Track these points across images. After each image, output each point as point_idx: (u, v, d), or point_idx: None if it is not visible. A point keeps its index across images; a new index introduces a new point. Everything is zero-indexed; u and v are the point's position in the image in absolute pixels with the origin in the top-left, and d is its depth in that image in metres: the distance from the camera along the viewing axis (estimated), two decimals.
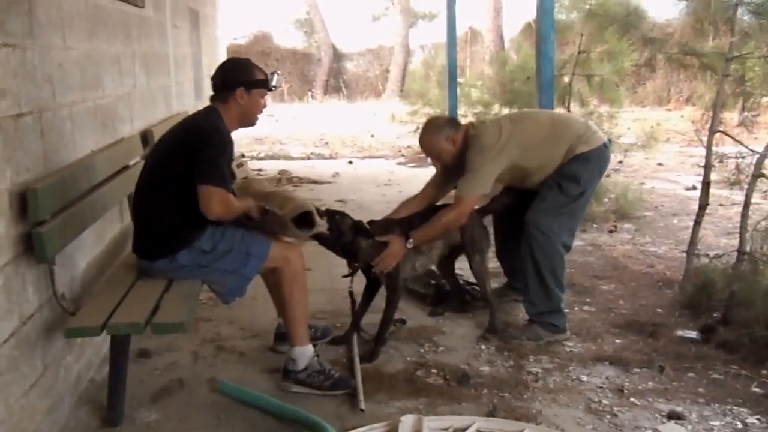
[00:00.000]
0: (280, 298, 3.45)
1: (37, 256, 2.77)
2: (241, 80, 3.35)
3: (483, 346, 3.86)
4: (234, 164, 3.74)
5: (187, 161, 3.15)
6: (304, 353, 3.38)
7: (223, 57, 12.69)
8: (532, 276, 3.95)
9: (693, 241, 4.59)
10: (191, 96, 7.91)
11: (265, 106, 3.48)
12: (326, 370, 3.39)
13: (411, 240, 3.85)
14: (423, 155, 11.01)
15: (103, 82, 4.07)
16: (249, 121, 3.46)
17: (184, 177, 3.16)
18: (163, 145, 3.41)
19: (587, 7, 6.61)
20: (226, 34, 14.54)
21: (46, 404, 2.91)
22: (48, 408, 2.92)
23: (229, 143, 3.30)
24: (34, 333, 2.82)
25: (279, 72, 3.56)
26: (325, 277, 4.83)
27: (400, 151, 12.07)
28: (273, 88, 3.48)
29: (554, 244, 3.92)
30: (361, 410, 3.18)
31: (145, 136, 4.72)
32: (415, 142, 12.05)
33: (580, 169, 3.90)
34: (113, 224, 4.13)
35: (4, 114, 2.63)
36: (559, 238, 3.93)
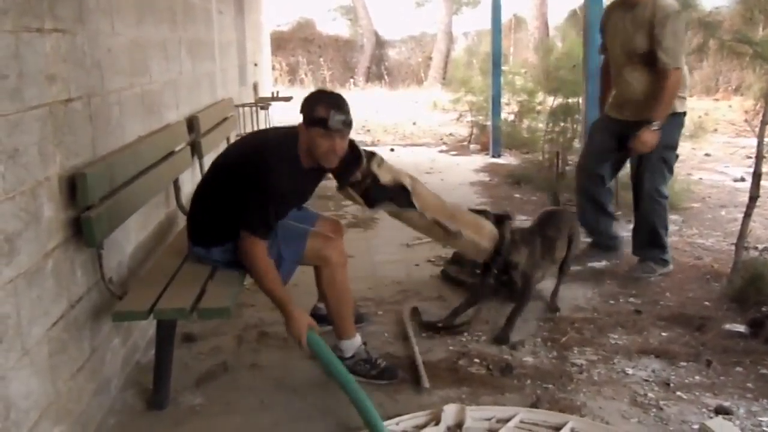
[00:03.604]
0: (321, 293, 3.45)
1: (86, 241, 2.81)
2: (302, 114, 3.12)
3: (525, 342, 3.83)
4: (375, 163, 3.48)
5: (236, 186, 3.10)
6: (352, 344, 3.39)
7: (267, 44, 12.73)
8: (648, 234, 4.70)
9: (742, 233, 4.50)
10: (236, 82, 7.95)
11: (334, 149, 3.10)
12: (373, 360, 3.39)
13: (655, 123, 4.35)
14: (465, 143, 11.05)
15: (150, 68, 4.10)
16: (315, 159, 3.15)
17: (230, 195, 3.12)
18: (231, 153, 3.37)
19: None
20: (270, 21, 14.59)
21: (93, 386, 2.96)
22: (95, 390, 2.97)
23: (280, 188, 3.08)
24: (82, 316, 2.86)
25: (341, 114, 3.06)
26: (367, 265, 4.83)
27: (441, 139, 12.02)
28: (330, 128, 3.04)
29: (666, 205, 4.68)
30: (426, 388, 3.27)
31: (190, 122, 4.76)
32: (457, 130, 12.04)
33: (676, 134, 4.57)
34: (159, 209, 4.17)
35: (54, 99, 2.67)
36: (666, 199, 4.69)
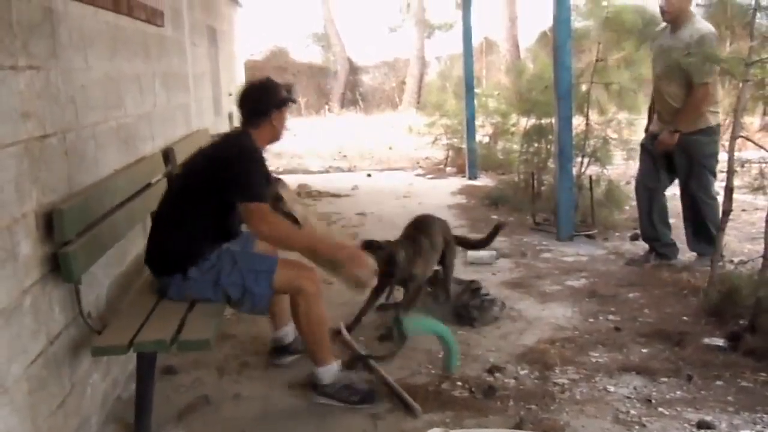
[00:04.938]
0: (297, 324, 3.43)
1: (64, 276, 2.80)
2: (272, 104, 3.46)
3: (506, 363, 3.84)
4: (280, 185, 3.82)
5: (211, 183, 3.23)
6: (329, 371, 3.39)
7: (241, 73, 12.76)
8: (705, 233, 5.14)
9: (717, 247, 4.55)
10: (210, 113, 7.95)
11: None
12: (353, 385, 3.39)
13: (676, 127, 5.00)
14: (441, 166, 11.11)
15: (125, 101, 4.10)
16: (278, 137, 3.57)
17: (205, 198, 3.25)
18: (189, 167, 3.50)
19: (605, 14, 6.60)
20: (243, 50, 14.63)
21: (74, 423, 2.93)
22: (76, 427, 2.94)
23: (263, 160, 3.40)
24: (61, 352, 2.84)
25: (292, 83, 3.73)
26: (346, 291, 4.81)
27: (418, 163, 12.07)
28: (295, 101, 3.62)
29: (715, 206, 5.00)
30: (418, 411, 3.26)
31: (166, 154, 4.74)
32: (433, 154, 12.09)
33: (713, 146, 5.10)
34: (136, 242, 4.15)
35: (30, 136, 2.66)
36: (715, 201, 5.09)
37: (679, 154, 5.20)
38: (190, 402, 3.45)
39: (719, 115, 5.17)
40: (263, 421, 3.26)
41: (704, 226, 5.20)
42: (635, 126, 7.09)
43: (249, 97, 3.50)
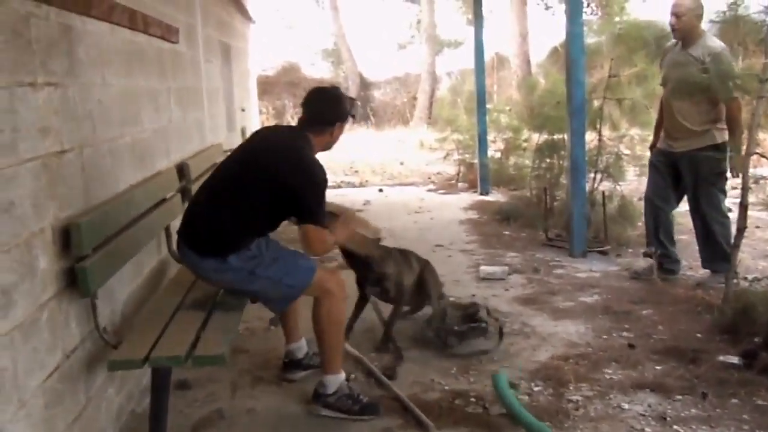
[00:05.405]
0: (317, 325, 3.43)
1: (81, 291, 2.81)
2: (340, 115, 3.49)
3: (521, 380, 3.83)
4: None
5: (272, 190, 3.26)
6: (336, 380, 3.42)
7: (253, 88, 12.81)
8: (719, 250, 5.11)
9: (732, 264, 4.54)
10: (224, 128, 7.99)
11: None
12: (355, 395, 3.42)
13: (737, 149, 4.88)
14: (453, 182, 11.12)
15: (141, 117, 4.13)
16: (329, 148, 3.58)
17: (261, 196, 3.27)
18: (251, 158, 3.46)
19: (617, 30, 6.61)
20: (255, 66, 14.71)
21: None
22: None
23: (326, 180, 3.37)
24: (77, 366, 2.85)
25: (355, 99, 3.72)
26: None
27: (429, 178, 12.08)
28: (355, 117, 3.66)
29: (728, 224, 5.07)
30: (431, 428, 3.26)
31: (180, 169, 4.77)
32: (444, 169, 12.11)
33: (722, 162, 4.99)
34: (151, 257, 4.17)
35: (48, 151, 2.69)
36: (727, 218, 5.14)
37: (686, 172, 5.22)
38: (204, 416, 3.46)
39: (725, 132, 5.11)
40: None
41: (716, 244, 5.20)
42: (647, 142, 7.07)
43: (320, 102, 3.50)
